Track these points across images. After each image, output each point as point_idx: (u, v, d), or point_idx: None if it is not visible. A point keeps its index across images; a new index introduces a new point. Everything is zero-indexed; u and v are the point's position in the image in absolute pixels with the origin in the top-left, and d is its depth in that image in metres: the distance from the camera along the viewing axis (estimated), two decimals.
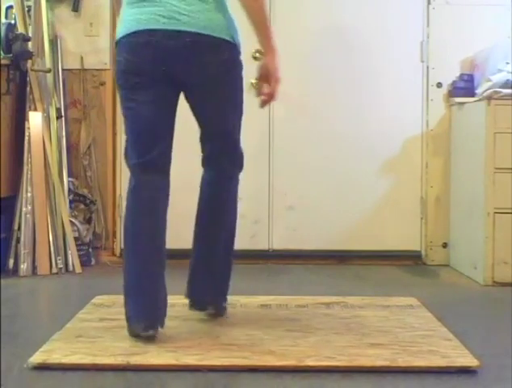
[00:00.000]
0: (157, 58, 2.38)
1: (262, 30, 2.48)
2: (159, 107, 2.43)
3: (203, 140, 2.60)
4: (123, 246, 2.56)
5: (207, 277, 2.61)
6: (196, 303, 2.63)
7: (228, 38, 2.43)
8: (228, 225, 2.63)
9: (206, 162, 2.61)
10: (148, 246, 2.40)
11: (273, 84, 2.53)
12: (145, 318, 2.36)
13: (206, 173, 2.62)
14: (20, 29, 3.75)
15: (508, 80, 3.57)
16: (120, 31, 2.44)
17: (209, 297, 2.63)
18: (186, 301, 2.64)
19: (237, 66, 2.52)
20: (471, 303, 3.17)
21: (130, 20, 2.41)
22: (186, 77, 2.44)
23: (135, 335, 2.35)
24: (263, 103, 2.57)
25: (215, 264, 2.61)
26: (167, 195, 2.48)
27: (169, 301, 2.77)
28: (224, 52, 2.45)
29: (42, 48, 3.83)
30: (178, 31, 2.38)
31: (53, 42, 3.91)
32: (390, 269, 3.89)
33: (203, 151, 2.61)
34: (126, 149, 2.50)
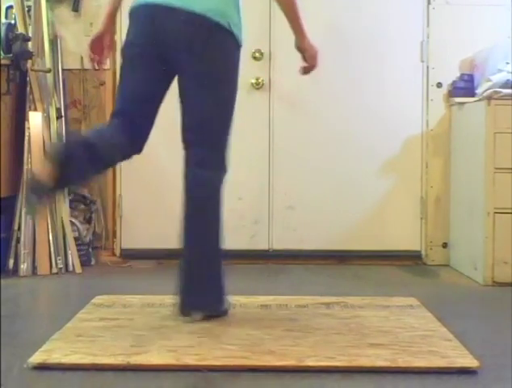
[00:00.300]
0: (150, 32, 2.47)
1: (292, 13, 2.61)
2: (147, 81, 2.53)
3: (183, 129, 2.58)
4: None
5: (186, 279, 2.58)
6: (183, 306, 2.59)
7: (223, 23, 2.44)
8: (204, 225, 2.55)
9: (184, 153, 2.59)
10: None
11: (309, 60, 2.73)
12: None
13: (184, 166, 2.59)
14: (20, 29, 3.75)
15: (508, 80, 3.57)
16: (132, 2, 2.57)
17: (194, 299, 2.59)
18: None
19: (228, 55, 2.51)
20: (471, 303, 3.17)
21: None
22: (176, 56, 2.47)
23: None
24: (304, 71, 2.76)
25: (195, 266, 2.56)
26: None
27: (169, 301, 2.78)
28: (216, 36, 2.45)
29: (42, 48, 3.83)
30: (173, 9, 2.44)
31: (53, 42, 3.91)
32: (390, 269, 3.89)
33: (182, 141, 2.59)
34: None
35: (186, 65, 2.49)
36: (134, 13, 2.55)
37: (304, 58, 2.73)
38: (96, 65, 2.71)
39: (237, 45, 2.53)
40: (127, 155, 2.58)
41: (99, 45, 2.70)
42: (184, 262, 2.58)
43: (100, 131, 2.65)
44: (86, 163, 2.41)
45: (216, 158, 2.56)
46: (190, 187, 2.56)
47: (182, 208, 2.57)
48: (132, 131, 2.53)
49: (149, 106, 2.57)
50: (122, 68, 2.62)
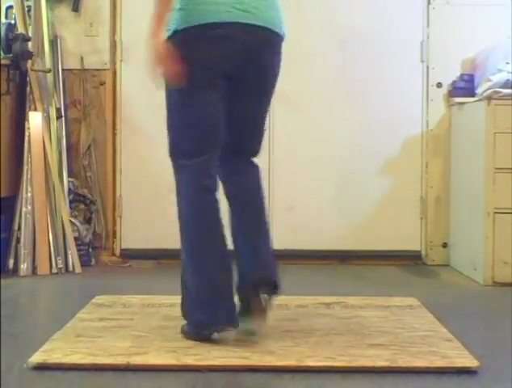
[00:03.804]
0: (232, 54, 2.30)
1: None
2: (220, 105, 2.35)
3: (236, 138, 2.47)
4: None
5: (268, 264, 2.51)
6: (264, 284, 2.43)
7: (283, 34, 2.46)
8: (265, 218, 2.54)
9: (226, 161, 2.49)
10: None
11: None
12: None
13: (225, 170, 2.51)
14: (20, 29, 3.75)
15: (508, 80, 3.57)
16: (184, 21, 2.26)
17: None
18: None
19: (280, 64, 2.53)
20: (471, 303, 3.17)
21: (199, 10, 2.26)
22: (249, 73, 2.38)
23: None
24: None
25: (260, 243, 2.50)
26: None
27: (169, 301, 2.78)
28: (281, 49, 2.49)
29: (42, 48, 3.83)
30: (253, 26, 2.32)
31: (53, 42, 3.91)
32: (390, 269, 3.89)
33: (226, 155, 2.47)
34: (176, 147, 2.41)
35: (257, 81, 2.44)
36: (200, 34, 2.28)
37: None
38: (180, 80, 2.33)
39: None
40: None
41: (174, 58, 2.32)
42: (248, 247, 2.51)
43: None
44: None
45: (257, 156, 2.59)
46: (253, 189, 2.55)
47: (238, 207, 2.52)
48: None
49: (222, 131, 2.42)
50: (185, 95, 2.33)
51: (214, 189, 2.40)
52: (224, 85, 2.36)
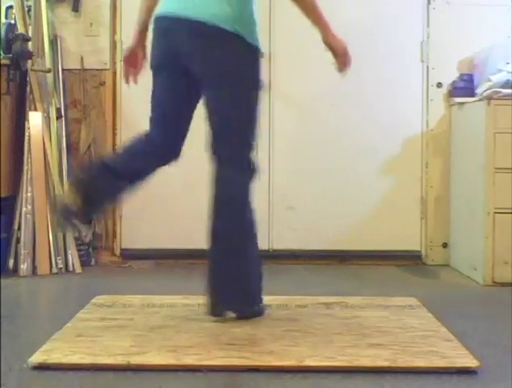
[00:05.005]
0: (167, 44, 2.52)
1: (312, 9, 2.57)
2: (171, 94, 2.57)
3: (209, 136, 2.60)
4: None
5: (214, 279, 2.58)
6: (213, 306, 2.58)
7: (229, 28, 2.44)
8: (229, 225, 2.56)
9: (212, 160, 2.62)
10: None
11: (337, 57, 2.64)
12: None
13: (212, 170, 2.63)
14: (20, 29, 3.75)
15: (508, 80, 3.57)
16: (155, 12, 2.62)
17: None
18: (188, 301, 2.63)
19: (244, 63, 2.50)
20: (471, 303, 3.17)
21: (161, 3, 2.60)
22: (192, 66, 2.50)
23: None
24: (338, 69, 2.68)
25: (222, 265, 2.57)
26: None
27: (169, 301, 2.78)
28: (223, 42, 2.46)
29: (42, 48, 3.83)
30: (180, 19, 2.48)
31: (53, 42, 3.91)
32: (390, 269, 3.89)
33: (210, 148, 2.62)
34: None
35: (201, 74, 2.51)
36: (154, 25, 2.60)
37: (334, 56, 2.66)
38: (131, 80, 2.73)
39: (248, 48, 2.50)
40: (162, 163, 2.64)
41: (133, 61, 2.72)
42: (211, 262, 2.58)
43: (129, 149, 2.67)
44: (109, 187, 2.56)
45: (239, 159, 2.57)
46: (216, 188, 2.57)
47: (209, 209, 2.57)
48: (166, 141, 2.62)
49: (178, 117, 2.62)
50: (152, 79, 2.65)
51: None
52: (175, 74, 2.56)
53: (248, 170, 2.59)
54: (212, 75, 2.50)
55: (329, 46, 2.64)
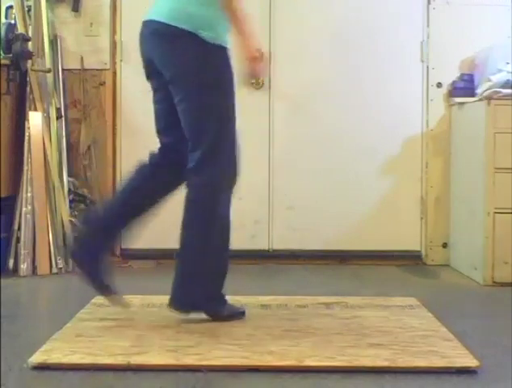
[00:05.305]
0: (143, 50, 2.61)
1: (237, 17, 2.49)
2: (165, 102, 2.59)
3: None
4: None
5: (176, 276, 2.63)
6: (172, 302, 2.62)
7: (186, 28, 2.44)
8: (196, 228, 2.59)
9: None
10: None
11: (249, 64, 2.52)
12: None
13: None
14: (20, 29, 3.75)
15: (508, 80, 3.57)
16: None
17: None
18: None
19: (204, 63, 2.47)
20: (471, 303, 3.17)
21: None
22: (159, 67, 2.54)
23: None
24: (249, 76, 2.60)
25: (183, 267, 2.61)
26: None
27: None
28: (179, 42, 2.46)
29: (42, 48, 3.83)
30: (146, 22, 2.56)
31: (53, 42, 3.91)
32: (390, 269, 3.89)
33: None
34: None
35: (165, 76, 2.52)
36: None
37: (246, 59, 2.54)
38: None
39: (208, 47, 2.46)
40: (180, 172, 2.61)
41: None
42: (177, 260, 2.63)
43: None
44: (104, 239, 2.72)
45: (208, 162, 2.52)
46: (187, 191, 2.60)
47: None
48: (178, 145, 2.61)
49: (179, 122, 2.56)
50: None
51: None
52: (154, 78, 2.60)
53: (219, 174, 2.55)
54: (171, 74, 2.51)
55: (243, 52, 2.52)
